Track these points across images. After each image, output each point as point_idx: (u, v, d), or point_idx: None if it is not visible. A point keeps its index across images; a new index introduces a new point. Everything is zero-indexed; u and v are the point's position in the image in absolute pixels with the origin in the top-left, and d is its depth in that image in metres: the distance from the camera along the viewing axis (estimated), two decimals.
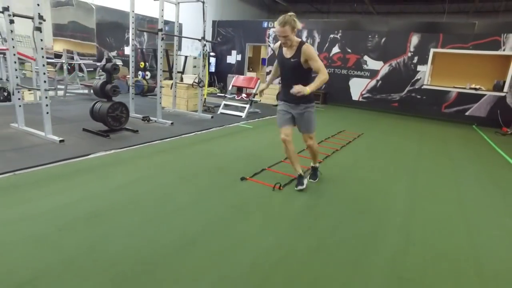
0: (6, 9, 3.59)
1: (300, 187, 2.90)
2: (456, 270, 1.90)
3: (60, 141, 3.73)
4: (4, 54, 5.62)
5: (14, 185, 2.57)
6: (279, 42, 2.75)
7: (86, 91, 7.93)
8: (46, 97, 3.71)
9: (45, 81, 3.67)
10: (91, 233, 1.97)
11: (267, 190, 2.88)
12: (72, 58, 7.77)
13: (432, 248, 2.13)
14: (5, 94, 5.81)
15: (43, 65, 3.61)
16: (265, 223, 2.29)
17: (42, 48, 3.55)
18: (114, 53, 11.74)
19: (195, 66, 11.50)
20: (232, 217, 2.34)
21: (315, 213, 2.51)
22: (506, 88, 8.20)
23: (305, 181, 2.99)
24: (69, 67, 7.66)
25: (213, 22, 12.18)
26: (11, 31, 3.70)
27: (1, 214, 2.10)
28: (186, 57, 10.26)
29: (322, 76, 2.55)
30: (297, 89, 2.48)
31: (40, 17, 3.49)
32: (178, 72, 9.87)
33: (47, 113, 3.76)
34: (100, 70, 8.57)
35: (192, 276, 1.65)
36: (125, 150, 3.74)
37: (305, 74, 2.71)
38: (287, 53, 2.71)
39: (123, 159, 3.45)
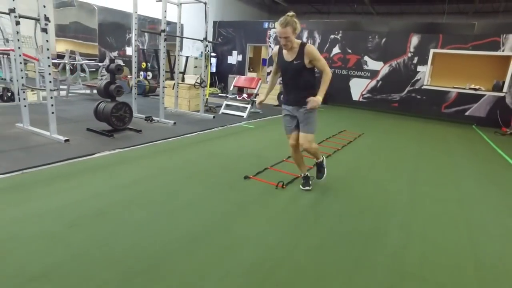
0: (12, 10, 3.65)
1: (306, 188, 2.96)
2: (456, 265, 1.95)
3: (65, 140, 3.78)
4: (8, 54, 5.67)
5: (22, 183, 2.62)
6: (277, 48, 2.71)
7: (88, 91, 7.98)
8: (52, 97, 3.77)
9: (50, 81, 3.72)
10: (99, 230, 2.02)
11: (270, 188, 2.93)
12: (75, 59, 7.83)
13: (433, 244, 2.18)
14: (9, 94, 5.87)
15: (49, 66, 3.67)
16: (268, 221, 2.35)
17: (48, 49, 3.60)
18: (115, 54, 11.79)
19: (196, 67, 11.55)
20: (236, 215, 2.39)
21: (317, 211, 2.56)
22: (505, 88, 8.25)
23: (311, 183, 3.02)
24: (71, 68, 7.71)
25: (214, 22, 12.24)
26: (17, 32, 3.75)
27: (10, 212, 2.15)
28: (187, 57, 10.32)
29: (326, 77, 2.58)
30: (313, 104, 2.56)
31: (46, 18, 3.54)
32: (180, 72, 9.93)
33: (53, 113, 3.82)
34: (103, 71, 8.64)
35: (196, 272, 1.70)
36: (129, 150, 3.79)
37: (309, 75, 2.66)
38: (289, 56, 2.63)
39: (127, 158, 3.50)
